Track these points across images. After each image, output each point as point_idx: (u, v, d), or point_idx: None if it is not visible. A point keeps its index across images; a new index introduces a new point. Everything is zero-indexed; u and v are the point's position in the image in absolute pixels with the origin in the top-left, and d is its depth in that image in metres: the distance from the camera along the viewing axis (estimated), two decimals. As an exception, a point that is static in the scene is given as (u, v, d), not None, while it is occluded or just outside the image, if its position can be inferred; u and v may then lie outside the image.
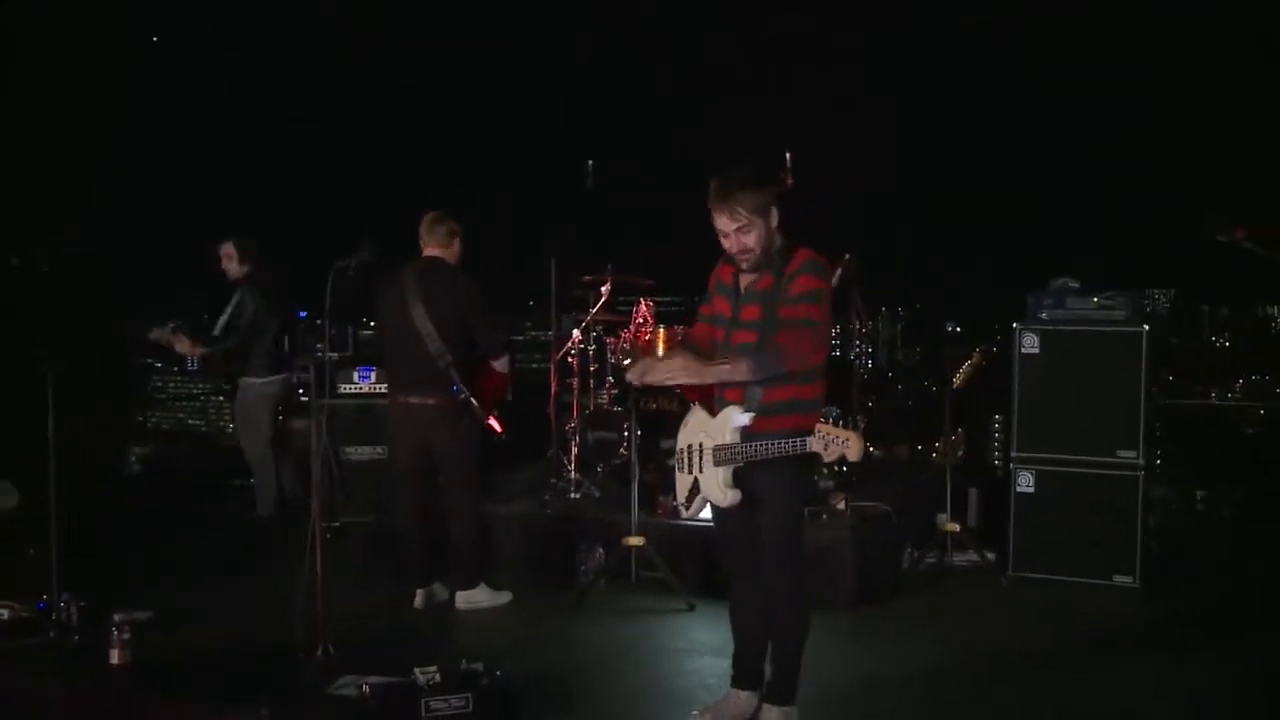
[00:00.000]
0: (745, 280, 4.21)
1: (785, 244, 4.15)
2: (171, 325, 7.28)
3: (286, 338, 7.50)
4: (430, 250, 6.01)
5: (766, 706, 4.31)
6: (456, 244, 6.05)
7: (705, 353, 4.29)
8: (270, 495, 7.39)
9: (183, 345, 7.26)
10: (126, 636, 5.02)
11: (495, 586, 6.07)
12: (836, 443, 3.75)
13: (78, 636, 5.35)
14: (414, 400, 5.86)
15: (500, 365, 6.09)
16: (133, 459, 9.67)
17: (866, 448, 3.81)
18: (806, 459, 3.95)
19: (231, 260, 7.41)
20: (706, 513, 4.44)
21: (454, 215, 6.09)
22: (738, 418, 4.04)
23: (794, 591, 4.21)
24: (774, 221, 4.11)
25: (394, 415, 6.02)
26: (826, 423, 3.86)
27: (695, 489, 4.27)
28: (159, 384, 17.95)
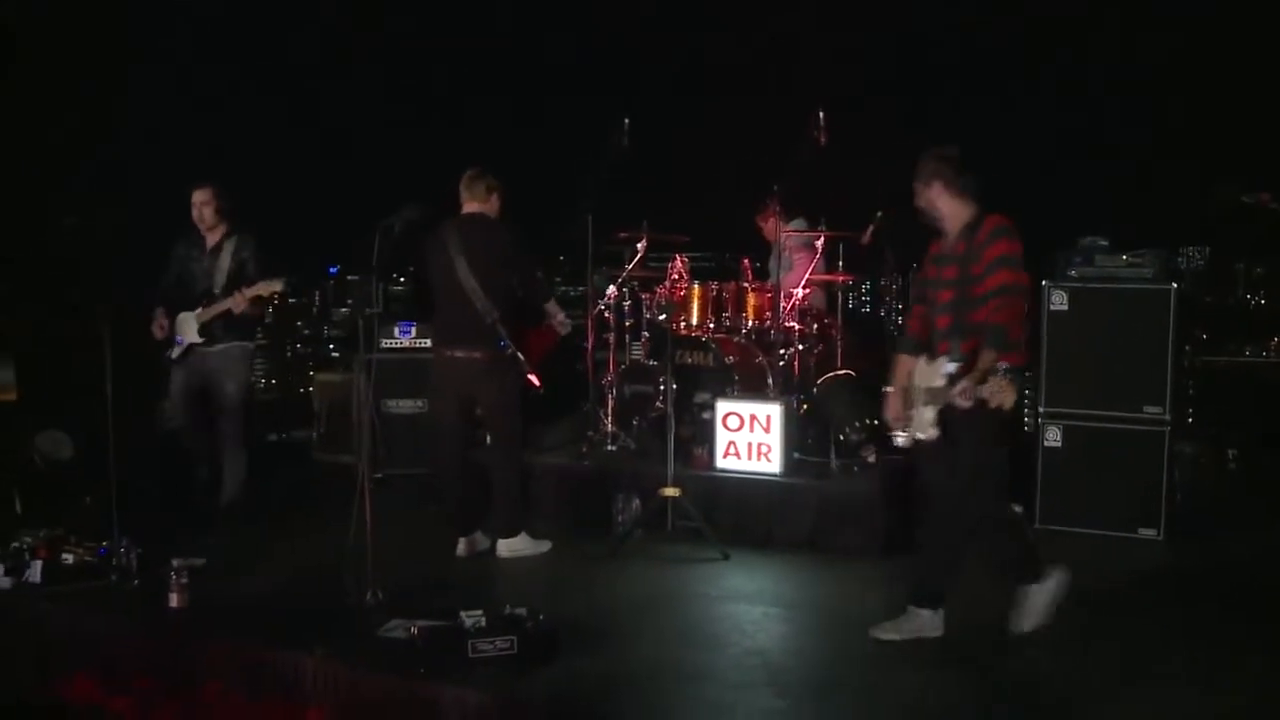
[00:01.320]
0: (944, 245, 4.87)
1: (979, 211, 4.77)
2: (159, 309, 6.69)
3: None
4: (470, 206, 6.15)
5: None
6: (495, 199, 6.18)
7: (922, 334, 4.97)
8: (242, 475, 6.78)
9: (239, 303, 6.44)
10: (185, 581, 5.23)
11: (535, 536, 6.25)
12: (998, 393, 4.35)
13: (137, 581, 5.56)
14: (460, 354, 6.02)
15: (553, 309, 6.30)
16: (166, 414, 9.83)
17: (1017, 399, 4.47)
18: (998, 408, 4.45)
19: (209, 207, 6.66)
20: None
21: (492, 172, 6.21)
22: (946, 366, 4.63)
23: (982, 517, 4.88)
24: (938, 190, 4.81)
25: (439, 369, 6.19)
26: (999, 375, 4.39)
27: (909, 421, 4.91)
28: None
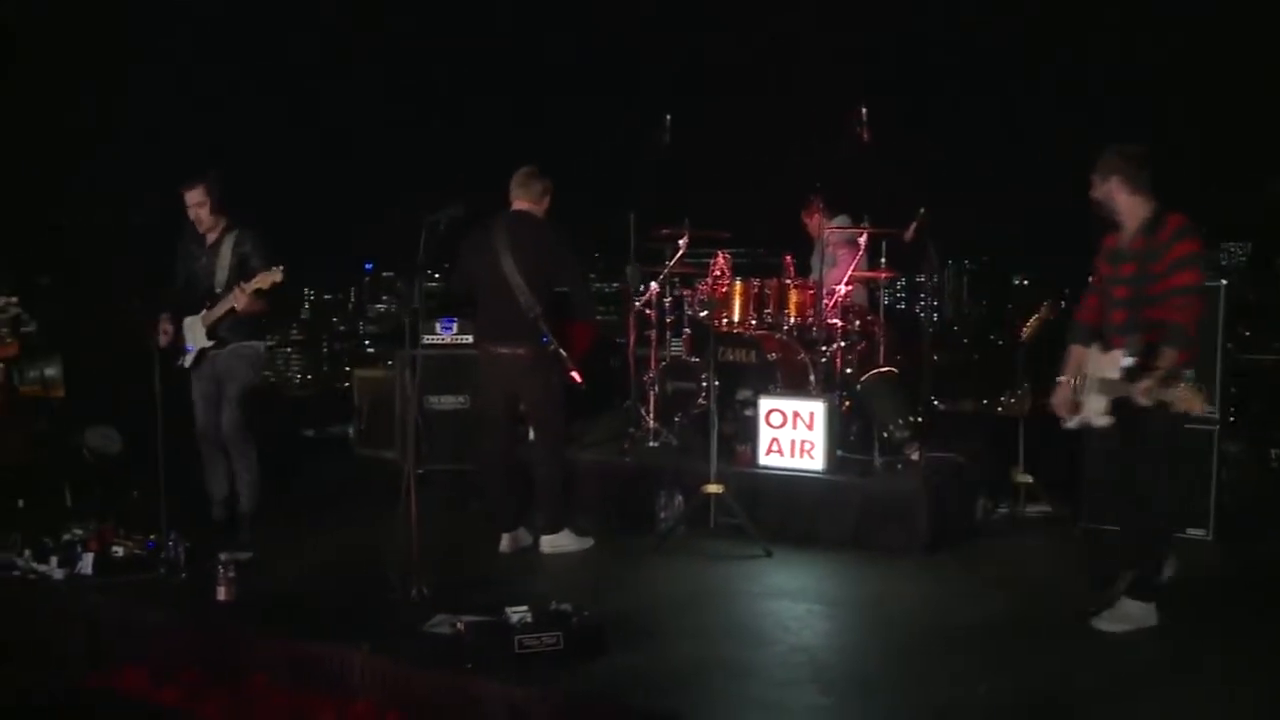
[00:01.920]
0: (1121, 240, 4.99)
1: (1158, 209, 4.89)
2: (164, 315, 6.38)
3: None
4: (520, 204, 6.16)
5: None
6: (547, 201, 6.19)
7: (1094, 324, 5.16)
8: (256, 473, 6.43)
9: (240, 300, 6.11)
10: (232, 575, 5.29)
11: (578, 532, 6.26)
12: (1185, 400, 4.46)
13: (185, 574, 5.63)
14: (504, 350, 6.04)
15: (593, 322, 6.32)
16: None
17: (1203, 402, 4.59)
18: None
19: (203, 208, 6.30)
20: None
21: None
22: (1123, 360, 4.77)
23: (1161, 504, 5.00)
24: (1117, 185, 4.92)
25: (483, 365, 6.21)
26: (1183, 382, 4.51)
27: (1078, 409, 5.07)
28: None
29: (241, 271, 6.21)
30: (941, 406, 8.40)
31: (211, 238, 6.38)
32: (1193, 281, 4.73)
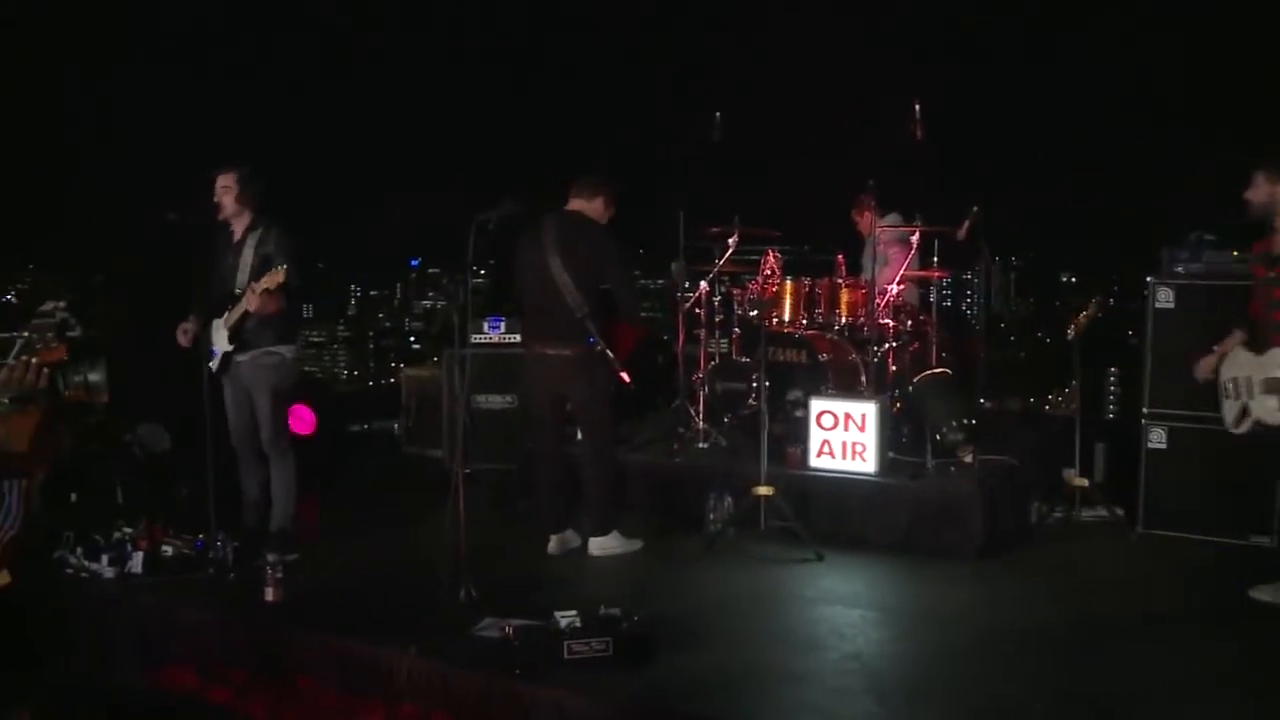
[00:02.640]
0: (1277, 244, 5.23)
1: None
2: (191, 317, 6.11)
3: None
4: (574, 204, 6.10)
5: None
6: (600, 203, 6.10)
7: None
8: (291, 489, 6.20)
9: (252, 301, 5.78)
10: (280, 575, 5.28)
11: (628, 533, 6.21)
12: None
13: (233, 574, 5.63)
14: (551, 351, 5.99)
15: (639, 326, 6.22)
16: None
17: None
18: None
19: (229, 194, 6.04)
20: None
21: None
22: None
23: None
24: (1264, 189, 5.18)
25: (530, 365, 6.17)
26: None
27: (1245, 413, 5.39)
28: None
29: (263, 271, 5.82)
30: (988, 405, 8.26)
31: (237, 234, 6.11)
32: None
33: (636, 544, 6.21)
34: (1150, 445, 6.52)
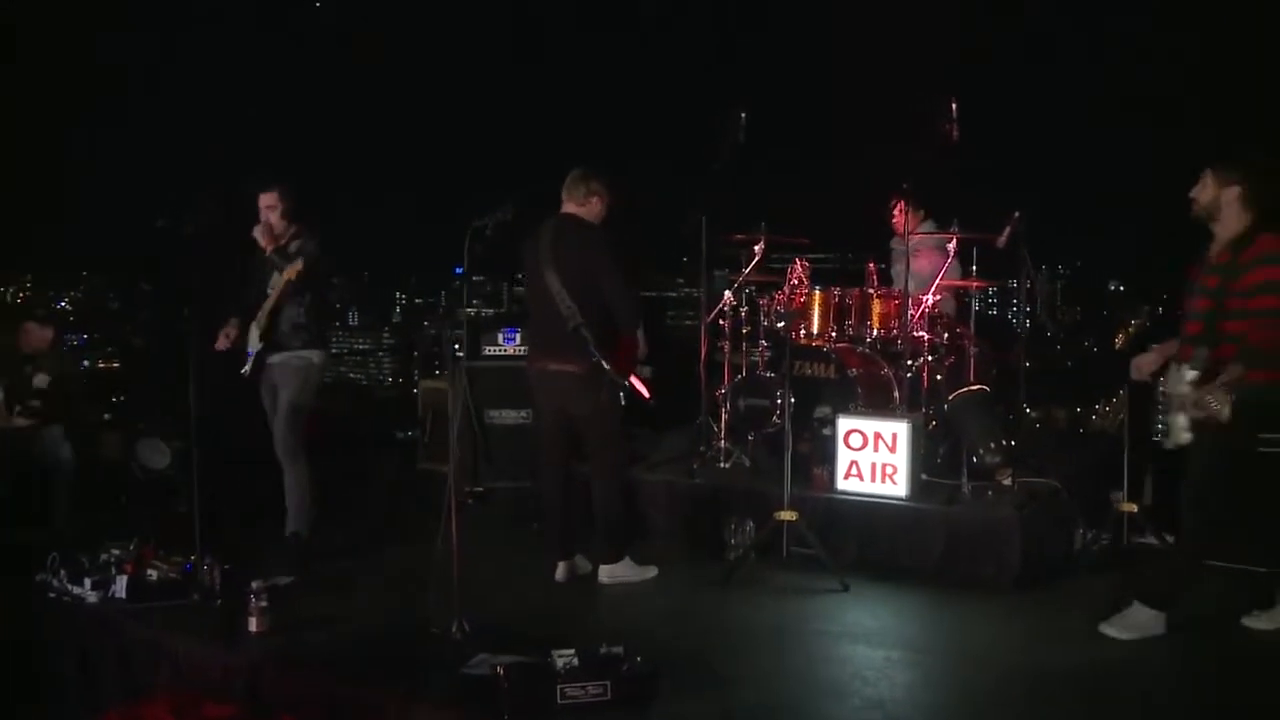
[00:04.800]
0: (1211, 251, 4.84)
1: (1248, 230, 4.70)
2: (232, 321, 6.29)
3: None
4: (567, 207, 5.72)
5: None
6: (595, 203, 5.70)
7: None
8: (305, 494, 6.24)
9: (273, 296, 6.08)
10: (264, 604, 4.97)
11: (641, 560, 5.84)
12: (1216, 409, 4.46)
13: (220, 600, 5.32)
14: (552, 366, 5.63)
15: (640, 337, 5.76)
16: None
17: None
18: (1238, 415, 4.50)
19: (274, 211, 6.22)
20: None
21: (600, 172, 5.75)
22: (1188, 374, 4.67)
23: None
24: (1235, 194, 4.71)
25: (533, 382, 5.81)
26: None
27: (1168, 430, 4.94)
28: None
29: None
30: (1033, 414, 7.83)
31: (270, 249, 6.18)
32: (1277, 305, 4.55)
33: (651, 571, 5.85)
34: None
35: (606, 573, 5.76)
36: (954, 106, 6.43)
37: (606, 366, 5.45)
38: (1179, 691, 4.51)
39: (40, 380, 7.09)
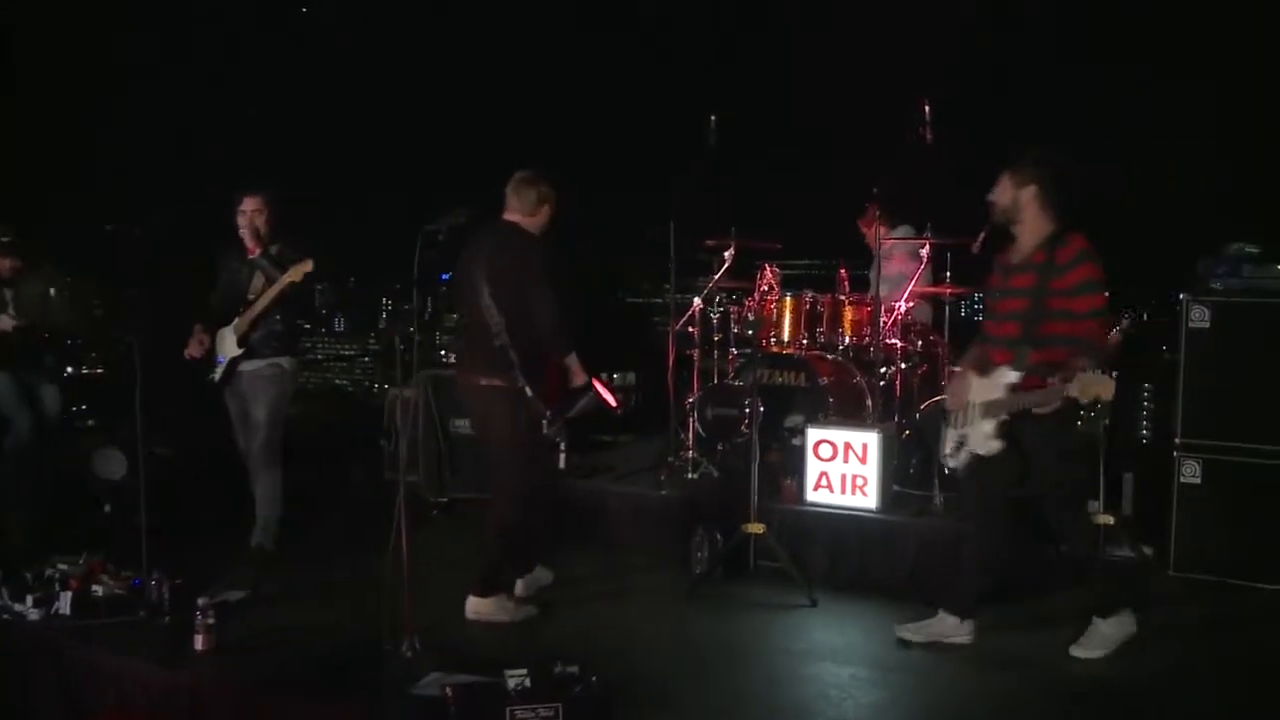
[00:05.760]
0: (1017, 253, 4.75)
1: (1058, 229, 4.63)
2: (198, 328, 6.15)
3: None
4: (509, 214, 5.35)
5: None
6: (545, 211, 5.35)
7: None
8: (276, 505, 6.17)
9: (269, 296, 5.98)
10: (210, 621, 4.79)
11: (516, 600, 5.44)
12: (1094, 384, 4.25)
13: (168, 617, 5.14)
14: (482, 380, 5.25)
15: (572, 364, 5.24)
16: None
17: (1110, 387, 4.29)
18: (1068, 413, 4.54)
19: (260, 215, 6.05)
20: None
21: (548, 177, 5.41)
22: (1007, 376, 4.58)
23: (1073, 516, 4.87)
24: (1031, 195, 4.65)
25: (462, 395, 5.60)
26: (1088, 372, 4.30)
27: (962, 443, 4.84)
28: (307, 344, 18.17)
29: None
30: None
31: (257, 252, 6.07)
32: (1102, 305, 4.56)
33: (529, 611, 5.37)
34: (1183, 479, 5.90)
35: (471, 607, 5.27)
36: (927, 109, 6.31)
37: (528, 390, 5.11)
38: (1148, 709, 4.38)
39: (2, 321, 6.53)
